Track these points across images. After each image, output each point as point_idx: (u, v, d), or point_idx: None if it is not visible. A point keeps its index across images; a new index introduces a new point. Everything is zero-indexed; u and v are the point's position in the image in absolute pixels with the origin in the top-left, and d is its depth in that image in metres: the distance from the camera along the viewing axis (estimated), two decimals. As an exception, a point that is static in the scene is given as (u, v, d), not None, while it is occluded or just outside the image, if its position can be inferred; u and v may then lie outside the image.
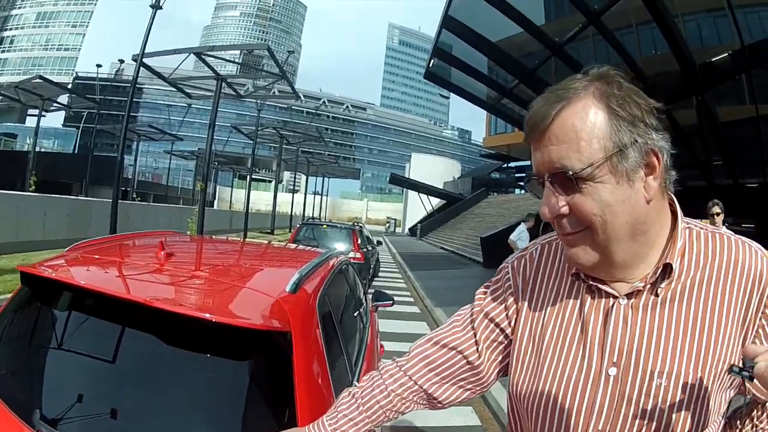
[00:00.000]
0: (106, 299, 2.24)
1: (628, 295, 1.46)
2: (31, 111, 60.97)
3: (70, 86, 69.30)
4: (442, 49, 23.44)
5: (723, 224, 9.49)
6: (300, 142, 59.10)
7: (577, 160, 1.33)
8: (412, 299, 18.10)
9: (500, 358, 1.75)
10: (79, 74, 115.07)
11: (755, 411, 1.67)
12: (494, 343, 1.74)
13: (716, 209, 9.17)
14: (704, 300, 1.42)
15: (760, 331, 1.42)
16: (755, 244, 1.49)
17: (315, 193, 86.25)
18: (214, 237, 5.71)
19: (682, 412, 1.38)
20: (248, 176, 49.72)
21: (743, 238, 1.50)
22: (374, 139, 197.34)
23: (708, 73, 16.03)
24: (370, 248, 19.99)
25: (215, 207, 74.10)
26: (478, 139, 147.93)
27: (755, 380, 1.17)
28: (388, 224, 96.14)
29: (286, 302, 2.54)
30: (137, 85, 20.18)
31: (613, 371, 1.43)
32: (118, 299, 2.21)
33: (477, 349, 1.75)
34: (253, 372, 2.23)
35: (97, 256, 3.07)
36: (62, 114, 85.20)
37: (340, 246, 16.06)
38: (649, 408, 1.39)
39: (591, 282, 1.51)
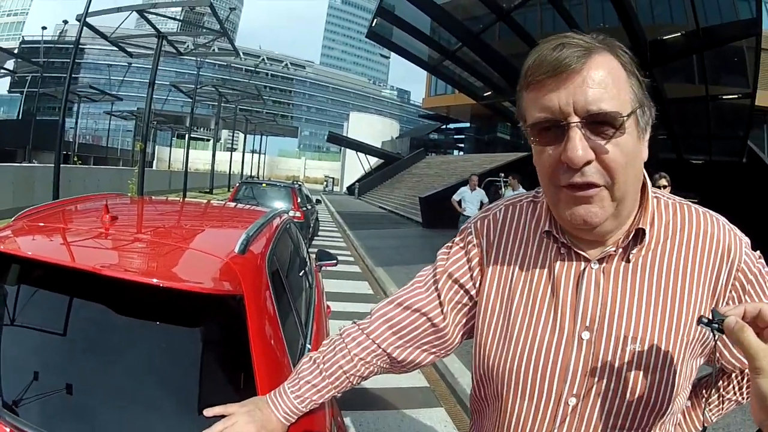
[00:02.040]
0: (56, 269, 2.17)
1: (600, 260, 1.46)
2: (-23, 80, 59.45)
3: (16, 51, 67.51)
4: (385, 9, 23.41)
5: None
6: (238, 101, 58.32)
7: (616, 107, 1.29)
8: (352, 258, 18.13)
9: (464, 320, 1.74)
10: (25, 38, 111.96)
11: (721, 381, 1.75)
12: (458, 305, 1.73)
13: (663, 182, 9.21)
14: (674, 268, 1.44)
15: (730, 301, 1.45)
16: (721, 218, 1.52)
17: (253, 152, 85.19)
18: (155, 198, 5.61)
19: (656, 376, 1.39)
20: (187, 135, 49.11)
21: (709, 210, 1.53)
22: (313, 97, 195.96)
23: (658, 50, 16.32)
24: (309, 207, 19.93)
25: (154, 167, 73.07)
26: (418, 100, 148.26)
27: (723, 335, 1.18)
28: (326, 183, 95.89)
29: (236, 263, 2.50)
30: (80, 46, 19.65)
31: (586, 335, 1.44)
32: (67, 269, 2.14)
33: (442, 310, 1.73)
34: (206, 336, 2.20)
35: (42, 224, 2.97)
36: (8, 80, 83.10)
37: (280, 205, 15.89)
38: (623, 373, 1.40)
39: (564, 243, 1.50)
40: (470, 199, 16.21)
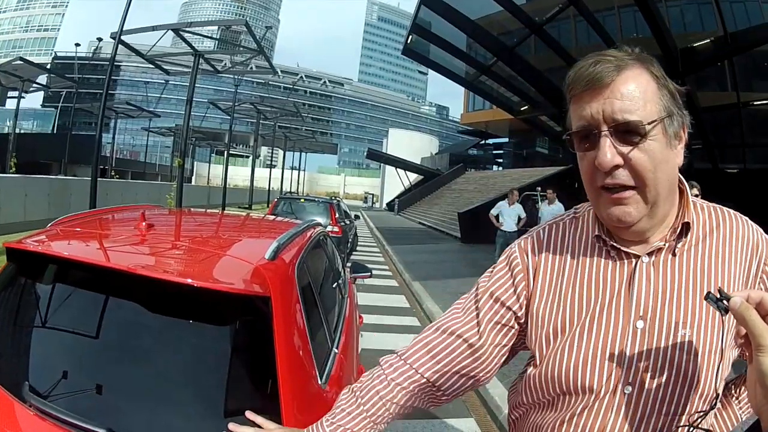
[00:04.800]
0: (92, 270, 2.27)
1: (649, 254, 1.57)
2: (11, 93, 60.07)
3: (48, 66, 68.49)
4: (420, 25, 23.47)
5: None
6: (277, 117, 58.76)
7: (640, 116, 1.42)
8: (390, 273, 18.15)
9: (504, 340, 1.77)
10: (58, 54, 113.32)
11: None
12: (498, 325, 1.76)
13: (694, 191, 9.19)
14: (714, 261, 1.55)
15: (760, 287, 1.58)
16: (745, 217, 1.66)
17: (293, 168, 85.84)
18: (191, 209, 5.72)
19: (705, 361, 1.48)
20: (226, 152, 49.51)
21: (737, 212, 1.66)
22: (352, 114, 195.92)
23: (689, 58, 16.18)
24: (347, 222, 19.94)
25: (193, 183, 73.54)
26: (456, 116, 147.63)
27: (729, 313, 1.24)
28: (366, 199, 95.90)
29: (266, 269, 2.57)
30: (115, 63, 19.90)
31: (640, 324, 1.53)
32: (102, 269, 2.24)
33: (478, 330, 1.76)
34: (234, 337, 2.26)
35: (79, 230, 3.08)
36: (41, 95, 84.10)
37: (318, 220, 15.93)
38: (675, 358, 1.49)
39: (613, 245, 1.61)
40: (508, 214, 16.11)
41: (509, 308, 1.74)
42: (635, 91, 1.43)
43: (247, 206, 48.68)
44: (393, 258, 21.36)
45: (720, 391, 1.48)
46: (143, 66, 51.49)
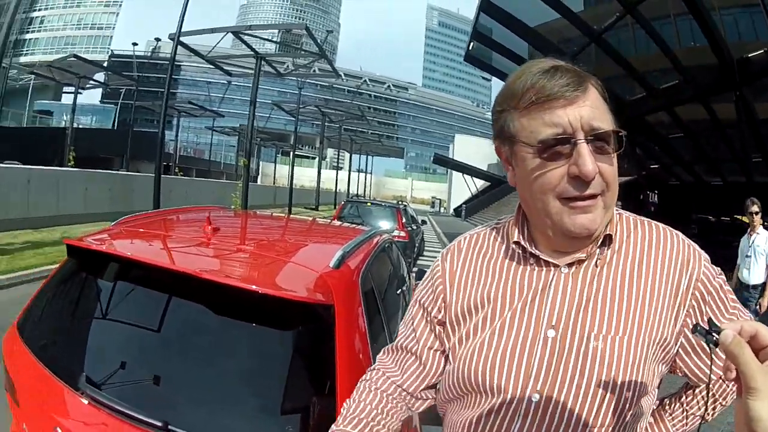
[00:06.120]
0: (153, 270, 2.31)
1: (569, 265, 1.55)
2: (67, 89, 61.44)
3: (105, 64, 70.10)
4: (481, 32, 23.43)
5: (762, 224, 9.27)
6: (342, 121, 59.24)
7: (611, 126, 1.44)
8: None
9: (436, 344, 1.77)
10: (115, 52, 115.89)
11: (683, 397, 1.78)
12: (427, 330, 1.78)
13: (755, 207, 8.99)
14: (638, 274, 1.52)
15: (690, 311, 1.52)
16: (677, 232, 1.62)
17: (359, 171, 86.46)
18: (258, 212, 5.77)
19: (618, 374, 1.43)
20: (291, 153, 50.01)
21: (669, 227, 1.63)
22: (417, 119, 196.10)
23: (745, 69, 15.72)
24: (414, 227, 19.90)
25: (259, 182, 74.40)
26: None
27: (718, 348, 1.11)
28: (433, 203, 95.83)
29: (330, 277, 2.59)
30: (175, 62, 20.25)
31: (551, 333, 1.50)
32: (164, 270, 2.27)
33: (415, 336, 1.80)
34: (296, 344, 2.28)
35: (143, 230, 3.15)
36: (99, 91, 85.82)
37: (385, 224, 16.02)
38: (587, 370, 1.44)
39: (532, 252, 1.58)
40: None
41: (430, 313, 1.76)
42: (600, 103, 1.45)
43: (313, 207, 49.12)
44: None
45: (636, 408, 1.47)
46: (204, 66, 52.13)
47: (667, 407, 1.79)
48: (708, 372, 1.53)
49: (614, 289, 1.50)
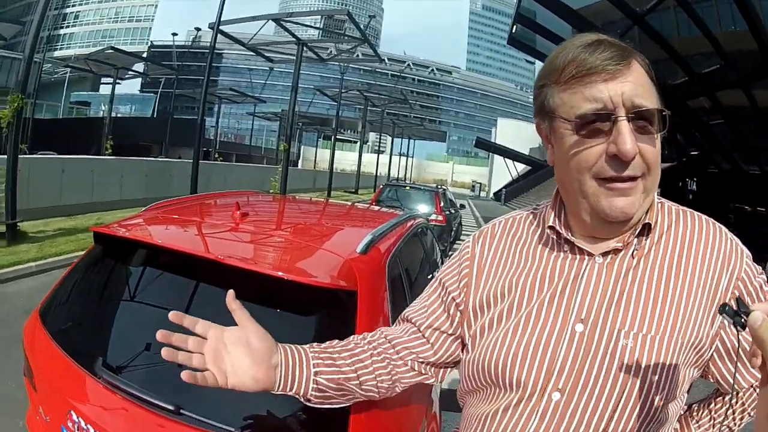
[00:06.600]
0: (177, 256, 2.37)
1: (604, 255, 1.46)
2: (105, 80, 62.13)
3: (145, 55, 70.86)
4: (524, 15, 23.27)
5: None
6: (385, 105, 58.93)
7: (656, 105, 1.34)
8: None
9: (444, 326, 1.73)
10: (154, 43, 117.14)
11: (712, 404, 1.69)
12: (440, 310, 1.74)
13: None
14: (676, 268, 1.42)
15: None
16: (720, 225, 1.51)
17: (401, 155, 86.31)
18: (293, 197, 5.79)
19: (646, 376, 1.35)
20: (333, 137, 50.10)
21: (712, 219, 1.52)
22: (460, 102, 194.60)
23: None
24: (452, 211, 19.76)
25: (299, 167, 74.48)
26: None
27: (746, 329, 1.01)
28: (473, 187, 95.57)
29: (356, 263, 2.61)
30: (216, 51, 20.35)
31: (579, 327, 1.41)
32: (187, 256, 2.32)
33: (425, 313, 1.76)
34: (318, 329, 2.31)
35: (171, 216, 3.18)
36: (138, 81, 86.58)
37: (423, 208, 16.11)
38: (613, 370, 1.36)
39: (567, 238, 1.50)
40: None
41: (449, 293, 1.70)
42: (645, 81, 1.35)
43: (353, 191, 49.20)
44: (496, 248, 21.06)
45: (663, 414, 1.39)
46: (245, 54, 52.35)
47: (694, 414, 1.70)
48: (742, 382, 1.48)
49: (650, 284, 1.41)
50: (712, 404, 1.69)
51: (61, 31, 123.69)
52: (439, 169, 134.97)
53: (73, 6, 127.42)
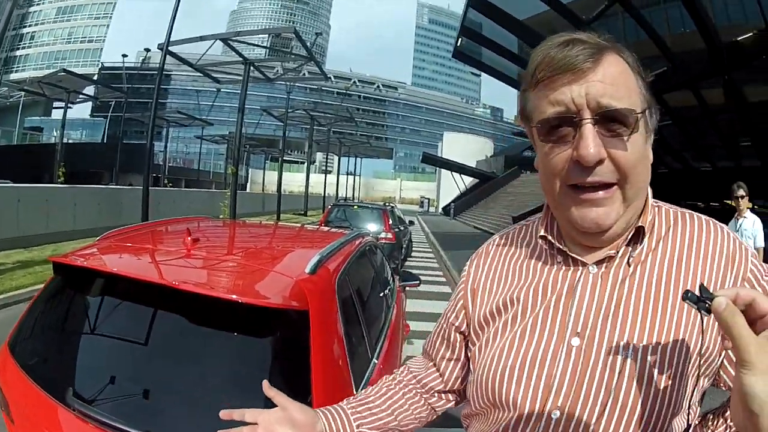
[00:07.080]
0: (134, 284, 2.43)
1: (598, 263, 1.39)
2: (57, 104, 61.42)
3: (95, 77, 70.23)
4: (469, 27, 23.47)
5: (749, 208, 9.37)
6: (331, 123, 59.02)
7: (628, 104, 1.25)
8: (444, 279, 18.05)
9: (448, 353, 1.76)
10: (105, 65, 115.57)
11: (727, 412, 1.52)
12: (441, 336, 1.77)
13: (741, 192, 9.03)
14: (676, 274, 1.34)
15: None
16: (722, 224, 1.43)
17: (348, 174, 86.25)
18: (242, 221, 5.84)
19: (650, 390, 1.26)
20: (279, 159, 49.95)
21: (710, 218, 1.45)
22: (406, 118, 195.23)
23: (734, 53, 15.82)
24: (401, 228, 19.83)
25: (248, 190, 73.82)
26: (511, 117, 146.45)
27: (711, 316, 1.02)
28: (422, 203, 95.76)
29: (305, 283, 2.67)
30: (165, 72, 20.18)
31: (576, 342, 1.34)
32: (146, 283, 2.37)
33: (432, 341, 1.82)
34: (275, 351, 2.37)
35: (126, 244, 3.24)
36: (89, 105, 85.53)
37: (372, 226, 16.17)
38: (613, 386, 1.28)
39: (560, 248, 1.44)
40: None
41: (452, 324, 1.69)
42: (619, 78, 1.26)
43: (302, 213, 49.06)
44: (447, 264, 21.19)
45: (670, 427, 1.29)
46: (194, 75, 52.05)
47: (709, 423, 1.51)
48: None
49: (648, 292, 1.33)
50: (727, 412, 1.49)
51: (17, 53, 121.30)
52: (387, 187, 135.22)
53: (29, 26, 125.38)
